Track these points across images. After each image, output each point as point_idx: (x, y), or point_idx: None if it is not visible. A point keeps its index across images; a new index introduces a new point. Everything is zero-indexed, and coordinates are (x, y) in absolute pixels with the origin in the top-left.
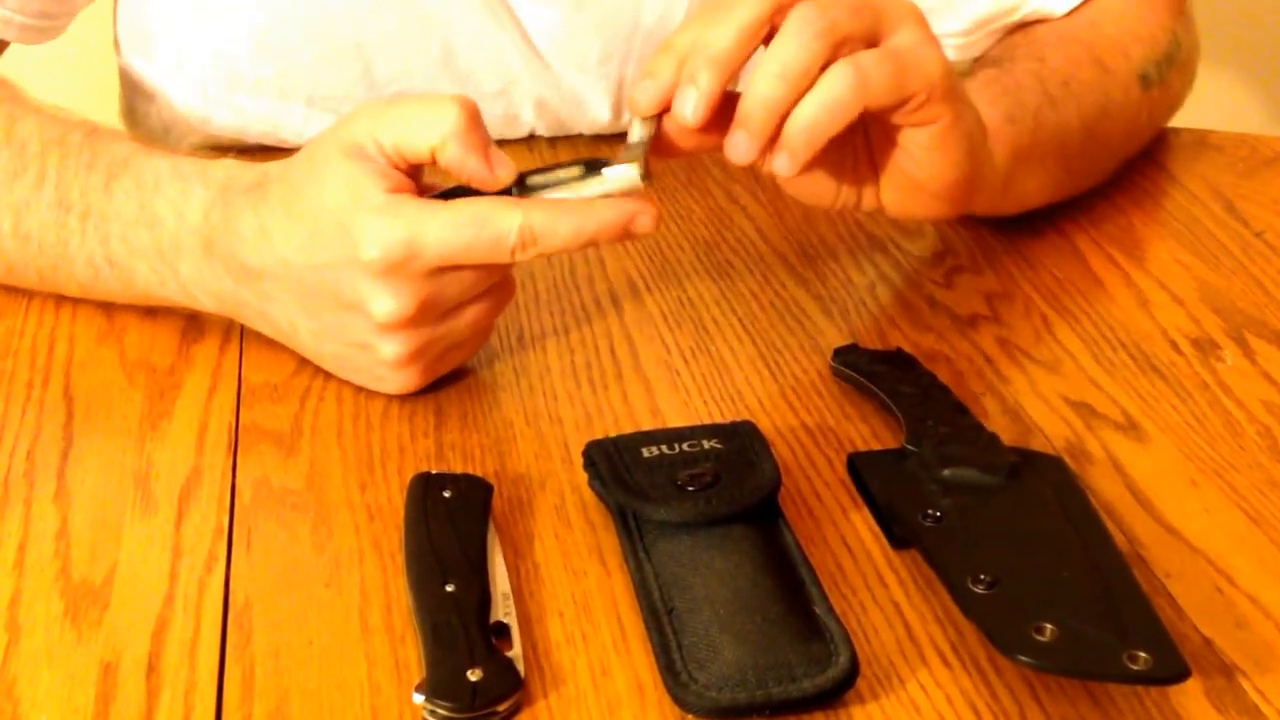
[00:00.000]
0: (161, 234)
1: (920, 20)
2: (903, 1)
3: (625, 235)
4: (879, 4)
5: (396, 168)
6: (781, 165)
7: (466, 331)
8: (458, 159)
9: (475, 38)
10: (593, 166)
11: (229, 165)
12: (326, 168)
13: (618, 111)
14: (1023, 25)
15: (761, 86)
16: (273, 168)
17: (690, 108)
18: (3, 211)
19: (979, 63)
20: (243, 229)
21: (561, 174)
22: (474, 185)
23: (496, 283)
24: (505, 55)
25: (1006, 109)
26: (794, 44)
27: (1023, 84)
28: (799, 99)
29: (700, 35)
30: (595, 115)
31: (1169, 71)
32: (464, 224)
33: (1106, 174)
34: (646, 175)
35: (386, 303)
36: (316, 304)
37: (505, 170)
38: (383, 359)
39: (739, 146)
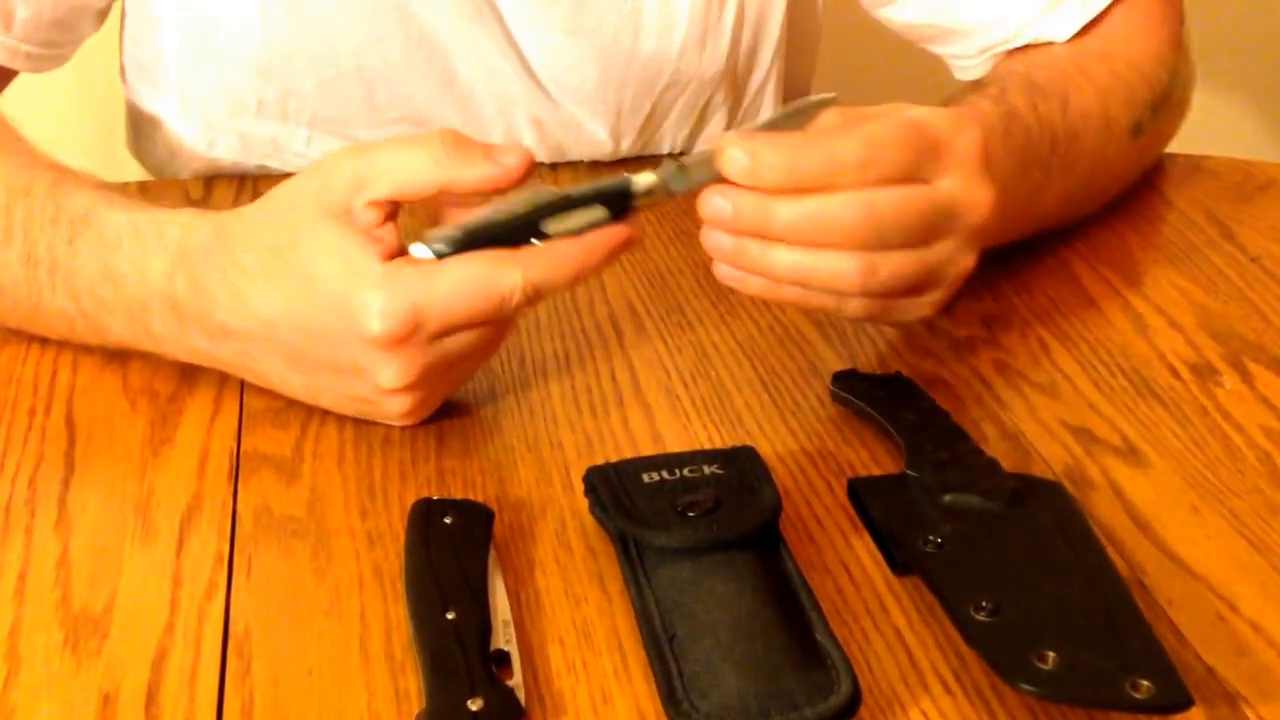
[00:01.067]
0: (127, 292)
1: (980, 232)
2: (977, 206)
3: (621, 253)
4: (948, 209)
5: (384, 220)
6: (726, 277)
7: (464, 376)
8: (464, 178)
9: (475, 63)
10: (614, 202)
11: (184, 222)
12: (308, 232)
13: (615, 136)
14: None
15: (784, 247)
16: (229, 220)
17: (736, 169)
18: None
19: (1019, 78)
20: (214, 292)
21: (585, 218)
22: (495, 188)
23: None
24: (504, 80)
25: (1009, 179)
26: (843, 225)
27: (1038, 144)
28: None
29: (802, 145)
30: (593, 137)
31: (1162, 114)
32: (467, 288)
33: (1089, 216)
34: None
35: (392, 372)
36: (310, 364)
37: (514, 157)
38: (385, 412)
39: (721, 247)
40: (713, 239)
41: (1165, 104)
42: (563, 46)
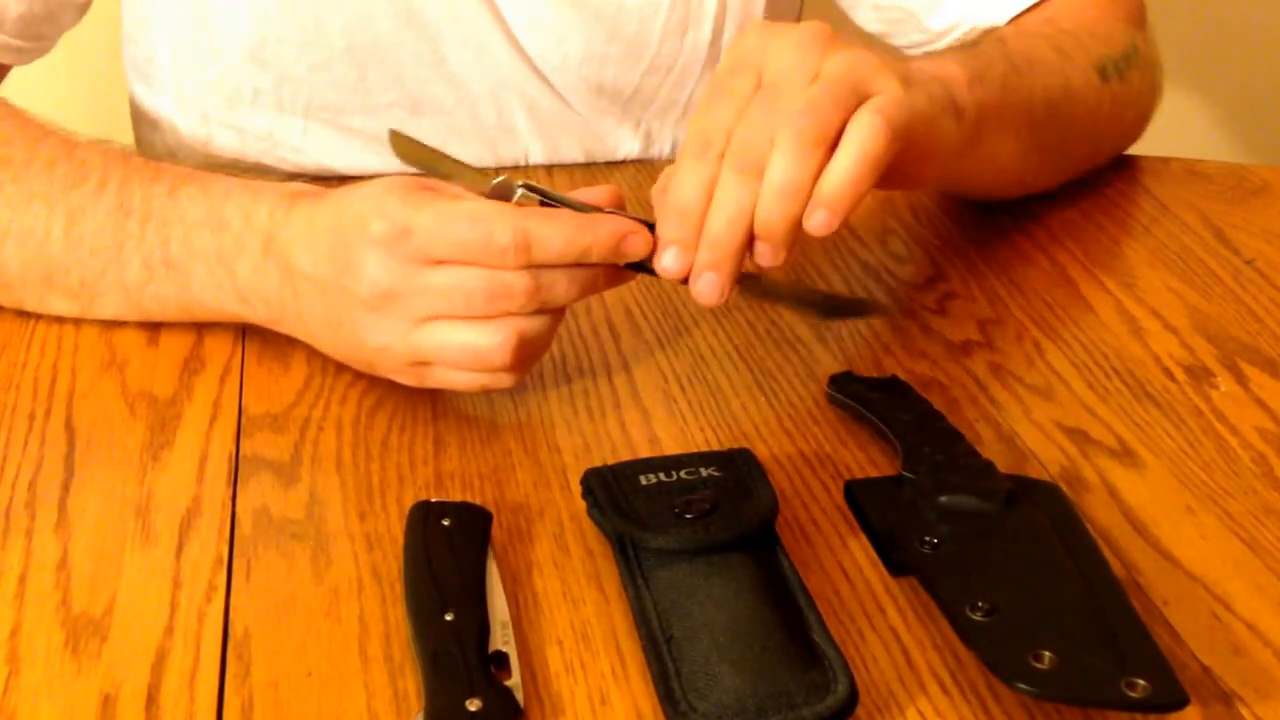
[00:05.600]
0: (226, 237)
1: (901, 81)
2: (881, 72)
3: (618, 255)
4: (860, 79)
5: None
6: (820, 221)
7: (466, 357)
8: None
9: (463, 39)
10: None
11: (303, 184)
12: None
13: (600, 112)
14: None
15: (776, 205)
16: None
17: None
18: (57, 215)
19: (964, 42)
20: (296, 223)
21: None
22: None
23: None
24: (493, 56)
25: (975, 70)
26: (791, 161)
27: (989, 54)
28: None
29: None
30: (578, 111)
31: (1128, 69)
32: (459, 215)
33: (1074, 162)
34: None
35: (376, 267)
36: (332, 316)
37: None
38: (382, 341)
39: (765, 258)
40: (759, 253)
41: (1130, 61)
42: (547, 19)
